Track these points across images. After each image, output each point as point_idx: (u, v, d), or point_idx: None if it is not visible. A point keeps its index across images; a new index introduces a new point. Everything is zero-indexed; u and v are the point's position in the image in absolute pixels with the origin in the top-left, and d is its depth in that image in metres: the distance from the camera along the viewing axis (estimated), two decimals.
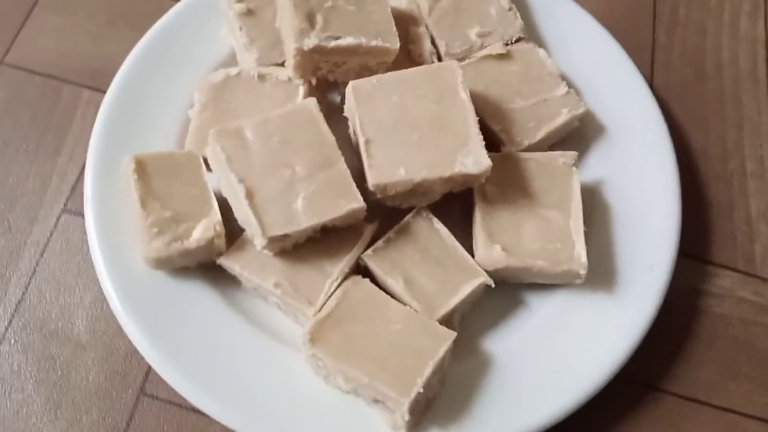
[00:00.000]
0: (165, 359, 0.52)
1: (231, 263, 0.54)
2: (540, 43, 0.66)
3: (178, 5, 0.67)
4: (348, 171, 0.53)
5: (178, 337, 0.53)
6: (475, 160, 0.53)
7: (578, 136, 0.63)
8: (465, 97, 0.55)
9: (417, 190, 0.54)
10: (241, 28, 0.62)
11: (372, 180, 0.52)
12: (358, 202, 0.52)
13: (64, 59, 0.70)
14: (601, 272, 0.57)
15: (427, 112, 0.54)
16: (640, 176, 0.61)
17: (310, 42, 0.56)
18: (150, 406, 0.56)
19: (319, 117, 0.54)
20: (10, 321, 0.58)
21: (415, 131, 0.54)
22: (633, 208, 0.60)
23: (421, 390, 0.48)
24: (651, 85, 0.71)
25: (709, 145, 0.69)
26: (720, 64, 0.73)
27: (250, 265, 0.54)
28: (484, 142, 0.53)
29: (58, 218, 0.63)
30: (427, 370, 0.49)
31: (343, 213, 0.52)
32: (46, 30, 0.71)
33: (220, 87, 0.60)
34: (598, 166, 0.62)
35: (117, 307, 0.54)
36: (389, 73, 0.56)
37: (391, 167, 0.53)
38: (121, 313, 0.53)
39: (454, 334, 0.51)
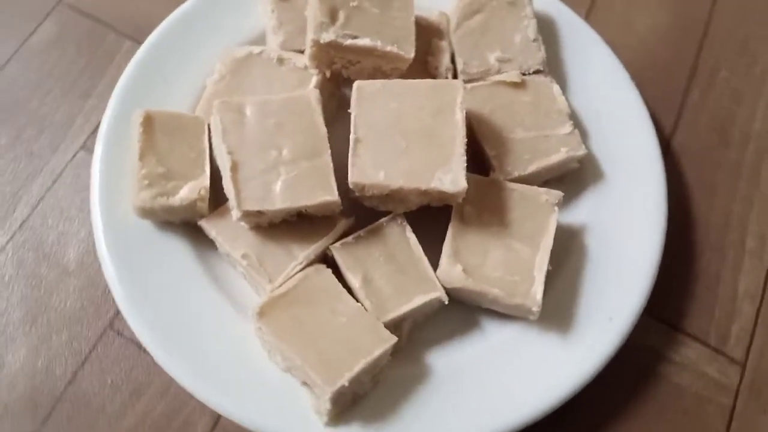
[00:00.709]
0: (129, 300, 0.56)
1: (209, 227, 0.57)
2: (561, 76, 0.67)
3: None
4: (331, 164, 0.55)
5: (146, 283, 0.57)
6: (453, 179, 0.54)
7: (576, 176, 0.64)
8: (459, 117, 0.56)
9: (394, 196, 0.56)
10: (273, 11, 0.65)
11: (351, 178, 0.54)
12: (332, 196, 0.54)
13: (115, 8, 0.74)
14: (560, 313, 0.58)
15: (421, 123, 0.56)
16: (626, 230, 0.61)
17: (327, 36, 0.58)
18: (113, 340, 0.60)
19: (317, 108, 0.56)
20: (12, 236, 0.64)
21: (404, 139, 0.56)
22: (609, 259, 0.60)
23: (347, 384, 0.50)
24: (669, 142, 0.70)
25: (712, 214, 0.68)
26: (748, 135, 0.72)
27: (225, 232, 0.57)
28: (465, 164, 0.55)
29: (75, 154, 0.67)
30: (358, 367, 0.51)
31: (316, 203, 0.54)
32: None
33: (240, 62, 0.63)
34: (587, 210, 0.63)
35: (100, 242, 0.58)
36: (395, 80, 0.58)
37: (372, 169, 0.55)
38: (103, 249, 0.57)
39: (395, 339, 0.53)
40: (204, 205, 0.57)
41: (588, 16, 0.77)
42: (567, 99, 0.66)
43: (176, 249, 0.59)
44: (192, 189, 0.57)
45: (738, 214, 0.68)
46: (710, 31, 0.77)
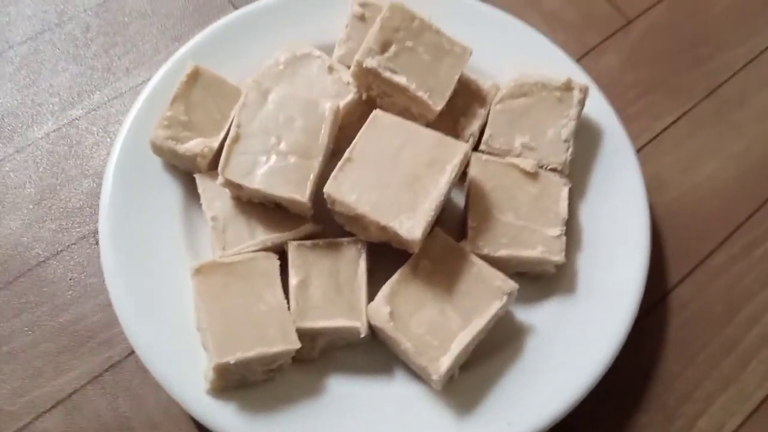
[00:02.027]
0: (108, 219, 0.62)
1: (200, 182, 0.63)
2: (584, 181, 0.67)
3: None
4: (316, 170, 0.59)
5: (130, 212, 0.62)
6: (411, 227, 0.56)
7: (550, 280, 0.63)
8: (447, 177, 0.58)
9: (358, 221, 0.58)
10: (347, 26, 0.70)
11: (327, 189, 0.58)
12: (302, 197, 0.58)
13: None
14: (461, 397, 0.58)
15: (412, 169, 0.58)
16: (570, 350, 0.60)
17: (371, 62, 0.62)
18: (91, 247, 0.67)
19: (329, 119, 0.60)
20: (59, 128, 0.73)
21: (389, 176, 0.58)
22: (541, 371, 0.59)
23: (232, 362, 0.53)
24: (669, 293, 0.68)
25: (679, 380, 0.64)
26: (756, 319, 0.67)
27: (209, 191, 0.62)
28: (429, 218, 0.56)
29: (142, 81, 0.75)
30: (251, 353, 0.54)
31: (286, 197, 0.58)
32: None
33: (299, 57, 0.68)
34: (544, 315, 0.62)
35: (110, 165, 0.64)
36: (410, 122, 0.61)
37: (348, 189, 0.57)
38: (109, 171, 0.64)
39: (298, 345, 0.55)
40: (203, 162, 0.63)
41: (648, 143, 0.75)
42: (579, 205, 0.66)
43: (170, 189, 0.65)
44: (199, 144, 0.62)
45: (705, 391, 0.64)
46: None
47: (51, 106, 0.74)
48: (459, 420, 0.57)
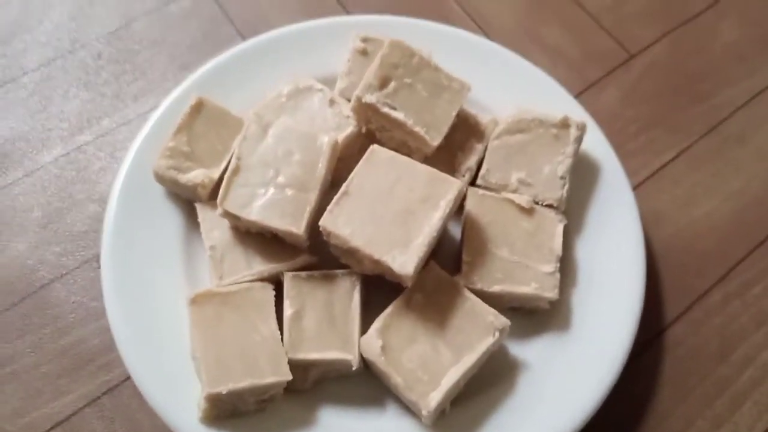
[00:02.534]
0: (111, 245, 0.63)
1: (200, 211, 0.64)
2: (579, 222, 0.67)
3: (336, 18, 0.78)
4: (313, 203, 0.60)
5: (132, 237, 0.64)
6: (404, 262, 0.57)
7: (544, 316, 0.64)
8: (441, 213, 0.59)
9: (353, 253, 0.59)
10: (349, 60, 0.71)
11: (322, 222, 0.59)
12: (298, 229, 0.59)
13: (244, 7, 0.84)
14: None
15: (406, 204, 0.59)
16: (561, 387, 0.60)
17: (369, 98, 0.63)
18: (94, 271, 0.68)
19: (326, 153, 0.61)
20: (68, 153, 0.75)
21: (384, 210, 0.59)
22: (531, 408, 0.60)
23: (224, 392, 0.54)
24: (665, 331, 0.68)
25: (672, 418, 0.64)
26: (751, 360, 0.67)
27: (209, 221, 0.63)
28: (422, 254, 0.57)
29: (150, 109, 0.77)
30: (242, 384, 0.55)
31: (282, 229, 0.59)
32: None
33: (301, 90, 0.70)
34: (537, 351, 0.63)
35: (115, 189, 0.66)
36: (406, 158, 0.62)
37: (343, 222, 0.59)
38: (114, 193, 0.66)
39: (289, 377, 0.56)
40: (204, 192, 0.64)
41: (646, 180, 0.76)
42: (575, 242, 0.66)
43: (171, 217, 0.66)
44: (200, 175, 0.64)
45: (699, 429, 0.64)
46: None
47: (60, 131, 0.76)
48: None
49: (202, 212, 0.64)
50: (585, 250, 0.67)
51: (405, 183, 0.60)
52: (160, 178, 0.65)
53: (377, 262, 0.58)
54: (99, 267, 0.66)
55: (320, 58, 0.75)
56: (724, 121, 0.80)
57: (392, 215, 0.59)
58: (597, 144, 0.71)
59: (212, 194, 0.65)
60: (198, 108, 0.67)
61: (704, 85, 0.82)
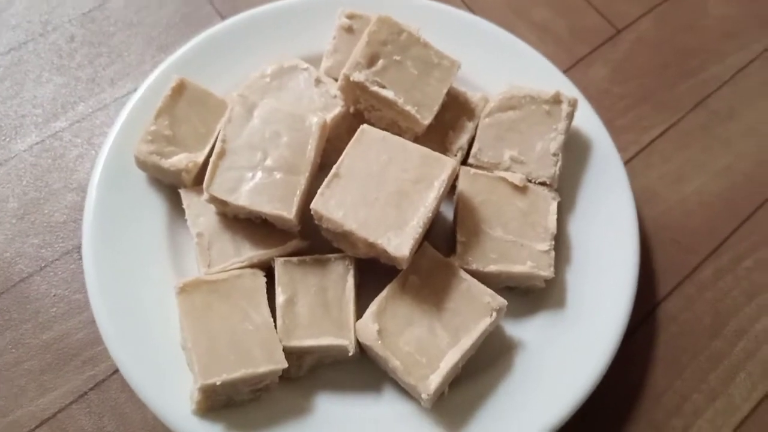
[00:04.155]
0: (92, 235, 0.61)
1: (185, 197, 0.62)
2: (572, 195, 0.67)
3: None
4: (303, 186, 0.58)
5: (114, 226, 0.62)
6: (399, 244, 0.55)
7: (540, 294, 0.63)
8: (434, 193, 0.57)
9: (346, 237, 0.58)
10: (334, 37, 0.69)
11: (313, 205, 0.57)
12: (288, 213, 0.57)
13: None
14: (451, 415, 0.57)
15: (399, 185, 0.58)
16: (558, 365, 0.60)
17: (358, 76, 0.62)
18: (73, 272, 0.66)
19: (315, 134, 0.60)
20: (42, 140, 0.72)
21: (377, 192, 0.58)
22: (530, 387, 0.59)
23: (218, 383, 0.52)
24: (656, 307, 0.68)
25: (667, 394, 0.64)
26: (743, 332, 0.67)
27: (195, 207, 0.61)
28: (417, 235, 0.56)
29: (126, 93, 0.75)
30: (236, 374, 0.53)
31: (272, 213, 0.57)
32: None
33: (285, 70, 0.68)
34: (533, 330, 0.62)
35: (94, 179, 0.63)
36: (398, 138, 0.60)
37: (335, 205, 0.57)
38: (93, 184, 0.63)
39: (284, 365, 0.55)
40: (188, 177, 0.62)
41: (635, 156, 0.75)
42: (568, 219, 0.66)
43: (154, 204, 0.64)
44: (183, 159, 0.62)
45: (695, 403, 0.64)
46: (755, 219, 0.73)
47: (34, 117, 0.73)
48: None
49: (187, 198, 0.62)
50: (578, 228, 0.66)
51: (397, 163, 0.59)
52: (142, 164, 0.63)
53: (372, 245, 0.57)
54: (80, 258, 0.64)
55: (304, 37, 0.73)
56: (711, 95, 0.80)
57: (385, 196, 0.58)
58: (587, 120, 0.70)
59: (197, 179, 0.62)
60: (179, 90, 0.64)
61: (691, 61, 0.82)
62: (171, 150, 0.62)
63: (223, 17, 0.79)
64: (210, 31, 0.72)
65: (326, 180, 0.58)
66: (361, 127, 0.61)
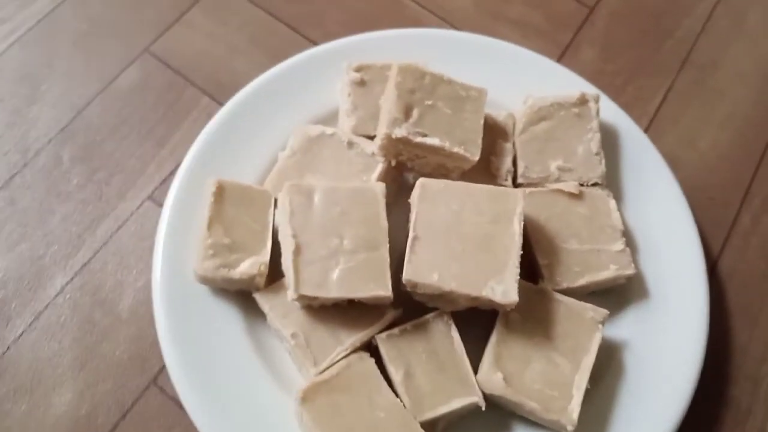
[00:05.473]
0: (176, 359, 0.58)
1: (263, 301, 0.59)
2: (616, 187, 0.68)
3: (309, 51, 0.73)
4: (387, 259, 0.57)
5: (195, 345, 0.59)
6: (505, 290, 0.56)
7: (621, 292, 0.65)
8: (517, 228, 0.58)
9: (444, 297, 0.57)
10: (349, 94, 0.67)
11: (406, 275, 0.56)
12: (386, 291, 0.56)
13: (198, 63, 0.78)
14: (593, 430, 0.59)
15: (479, 229, 0.58)
16: (664, 352, 0.62)
17: (400, 132, 0.61)
18: (156, 396, 0.62)
19: (382, 202, 0.59)
20: (72, 278, 0.66)
21: (461, 243, 0.57)
22: (646, 380, 0.61)
23: None
24: (716, 265, 0.71)
25: (751, 344, 0.68)
26: None
27: (277, 309, 0.59)
28: (518, 277, 0.56)
29: (142, 202, 0.70)
30: None
31: (369, 295, 0.56)
32: (194, 30, 0.79)
33: (313, 140, 0.66)
34: (628, 326, 0.64)
35: (156, 298, 0.60)
36: (458, 182, 0.60)
37: (427, 269, 0.56)
38: (158, 306, 0.60)
39: None
40: (262, 281, 0.59)
41: (649, 127, 0.78)
42: (621, 210, 0.67)
43: (228, 315, 0.61)
44: (253, 264, 0.59)
45: None
46: None
47: (53, 256, 0.67)
48: None
49: (266, 301, 0.59)
50: (631, 216, 0.68)
51: (469, 209, 0.59)
52: (208, 280, 0.60)
53: (474, 299, 0.56)
54: (161, 391, 0.61)
55: (309, 99, 0.71)
56: (692, 50, 0.83)
57: (471, 245, 0.57)
58: (604, 108, 0.71)
59: (268, 279, 0.60)
60: (220, 192, 0.61)
61: (665, 20, 0.85)
62: (236, 258, 0.59)
63: (210, 96, 0.76)
64: (215, 122, 0.68)
65: (408, 246, 0.57)
66: (420, 181, 0.60)
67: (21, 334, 0.64)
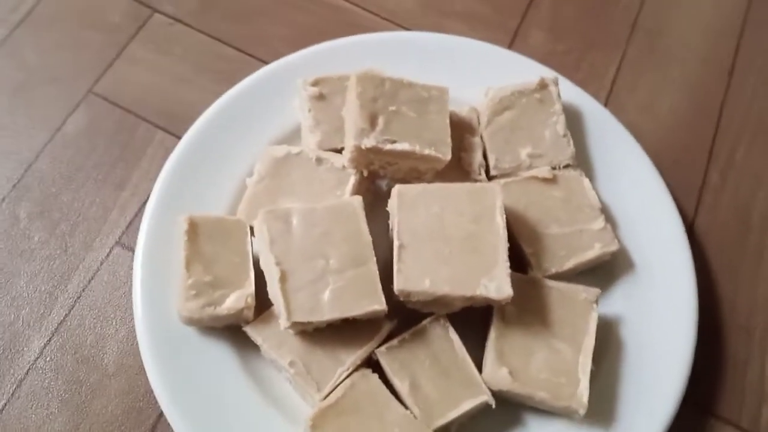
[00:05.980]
0: (175, 408, 0.56)
1: (254, 334, 0.58)
2: (588, 169, 0.69)
3: (261, 71, 0.71)
4: (377, 272, 0.56)
5: (191, 388, 0.57)
6: (498, 286, 0.55)
7: (607, 268, 0.65)
8: (500, 222, 0.57)
9: (438, 301, 0.57)
10: (309, 110, 0.66)
11: (398, 285, 0.55)
12: (380, 305, 0.55)
13: (146, 97, 0.75)
14: (602, 410, 0.59)
15: (463, 229, 0.57)
16: (659, 320, 0.63)
17: (368, 142, 0.59)
18: None
19: (361, 215, 0.58)
20: (49, 340, 0.64)
21: (447, 245, 0.57)
22: (645, 351, 0.62)
23: None
24: (692, 225, 0.72)
25: (738, 296, 0.70)
26: (764, 215, 0.74)
27: (271, 339, 0.57)
28: (509, 270, 0.56)
29: (110, 249, 0.68)
30: None
31: (364, 312, 0.55)
32: (137, 65, 0.77)
33: (280, 161, 0.64)
34: (619, 301, 0.64)
35: (144, 350, 0.58)
36: (435, 184, 0.60)
37: (417, 276, 0.55)
38: (147, 355, 0.58)
39: None
40: (250, 313, 0.58)
41: (608, 100, 0.79)
42: (595, 189, 0.68)
43: (220, 353, 0.59)
44: (238, 298, 0.57)
45: (764, 296, 0.70)
46: (726, 111, 0.79)
47: (26, 318, 0.64)
48: (606, 429, 0.58)
49: (258, 333, 0.58)
50: (605, 192, 0.68)
51: (450, 210, 0.58)
52: (196, 321, 0.58)
53: (469, 298, 0.56)
54: None
55: (270, 119, 0.69)
56: (638, 17, 0.84)
57: (458, 246, 0.57)
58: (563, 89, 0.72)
59: (256, 311, 0.58)
60: (193, 229, 0.59)
61: None
62: (220, 294, 0.57)
63: (164, 129, 0.73)
64: (174, 155, 0.66)
65: (395, 255, 0.56)
66: (395, 188, 0.59)
67: (4, 406, 0.61)
